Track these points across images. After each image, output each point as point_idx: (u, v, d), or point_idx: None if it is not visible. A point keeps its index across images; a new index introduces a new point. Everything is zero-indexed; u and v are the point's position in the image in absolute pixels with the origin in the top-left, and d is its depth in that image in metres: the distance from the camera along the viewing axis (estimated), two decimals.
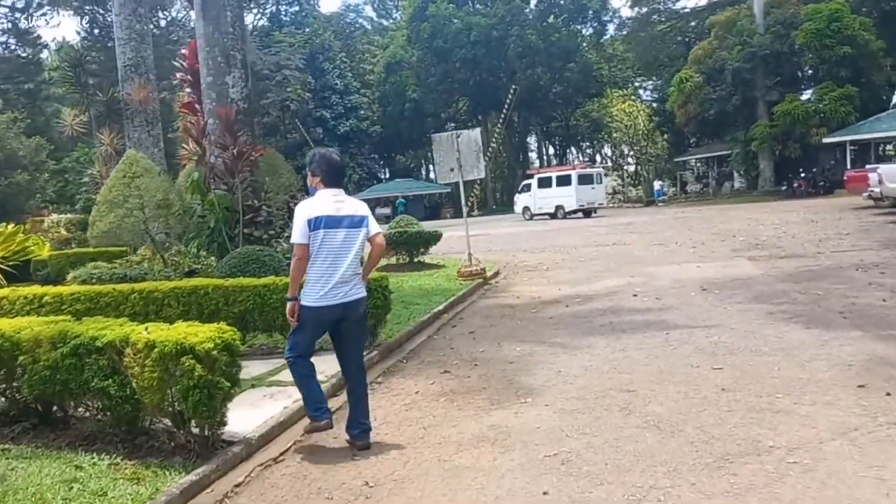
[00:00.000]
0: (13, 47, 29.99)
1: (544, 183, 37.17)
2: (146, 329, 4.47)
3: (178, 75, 12.24)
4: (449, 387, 6.00)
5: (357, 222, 4.67)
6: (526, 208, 38.28)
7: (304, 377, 4.69)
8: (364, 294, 4.76)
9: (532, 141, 64.92)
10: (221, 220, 9.63)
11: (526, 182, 40.05)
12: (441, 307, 9.69)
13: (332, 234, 4.56)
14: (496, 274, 13.56)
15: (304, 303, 4.60)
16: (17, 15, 31.31)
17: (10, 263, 15.02)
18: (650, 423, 4.66)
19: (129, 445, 4.60)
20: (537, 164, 58.41)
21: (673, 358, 6.26)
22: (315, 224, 4.53)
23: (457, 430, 4.88)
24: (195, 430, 4.42)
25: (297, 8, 58.70)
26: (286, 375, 6.17)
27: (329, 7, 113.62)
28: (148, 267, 10.73)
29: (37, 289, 7.16)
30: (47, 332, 4.69)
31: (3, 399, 4.94)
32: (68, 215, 17.73)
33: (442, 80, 53.20)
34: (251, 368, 6.55)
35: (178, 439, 4.50)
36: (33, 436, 4.86)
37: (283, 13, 58.58)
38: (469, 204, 41.56)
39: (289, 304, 4.64)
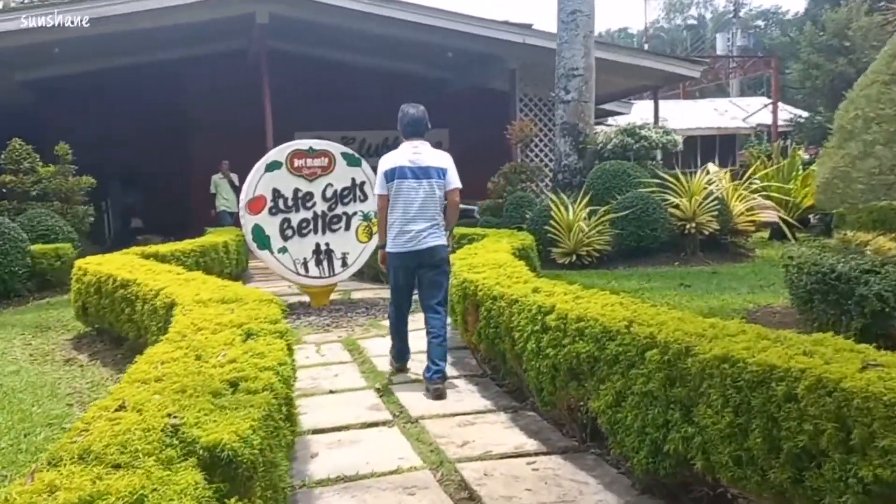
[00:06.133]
0: None
1: None
2: None
3: None
4: None
5: (434, 173, 4.74)
6: None
7: (396, 323, 4.89)
8: (440, 242, 4.77)
9: None
10: None
11: None
12: None
13: (407, 183, 4.68)
14: None
15: (386, 248, 4.79)
16: None
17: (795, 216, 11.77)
18: None
19: None
20: None
21: None
22: (390, 175, 4.71)
23: None
24: None
25: None
26: None
27: None
28: (871, 257, 5.87)
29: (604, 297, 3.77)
30: None
31: None
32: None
33: None
34: None
35: None
36: None
37: None
38: None
39: (380, 252, 4.90)
